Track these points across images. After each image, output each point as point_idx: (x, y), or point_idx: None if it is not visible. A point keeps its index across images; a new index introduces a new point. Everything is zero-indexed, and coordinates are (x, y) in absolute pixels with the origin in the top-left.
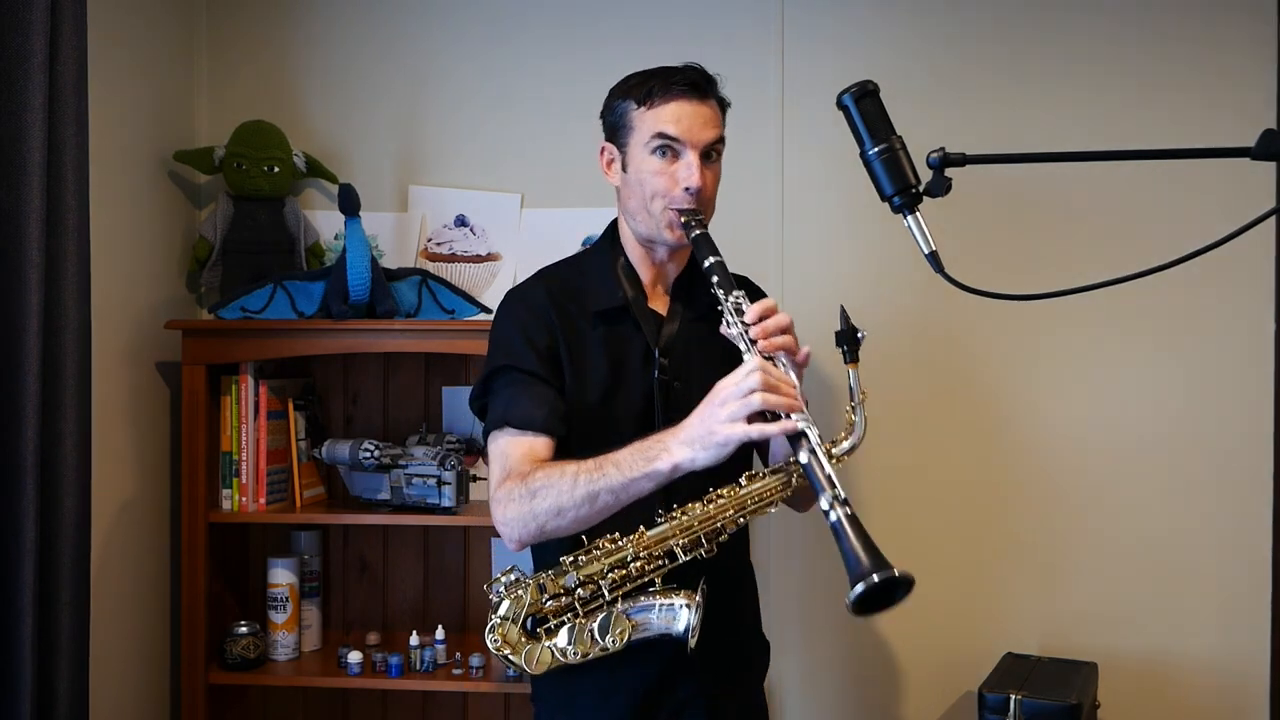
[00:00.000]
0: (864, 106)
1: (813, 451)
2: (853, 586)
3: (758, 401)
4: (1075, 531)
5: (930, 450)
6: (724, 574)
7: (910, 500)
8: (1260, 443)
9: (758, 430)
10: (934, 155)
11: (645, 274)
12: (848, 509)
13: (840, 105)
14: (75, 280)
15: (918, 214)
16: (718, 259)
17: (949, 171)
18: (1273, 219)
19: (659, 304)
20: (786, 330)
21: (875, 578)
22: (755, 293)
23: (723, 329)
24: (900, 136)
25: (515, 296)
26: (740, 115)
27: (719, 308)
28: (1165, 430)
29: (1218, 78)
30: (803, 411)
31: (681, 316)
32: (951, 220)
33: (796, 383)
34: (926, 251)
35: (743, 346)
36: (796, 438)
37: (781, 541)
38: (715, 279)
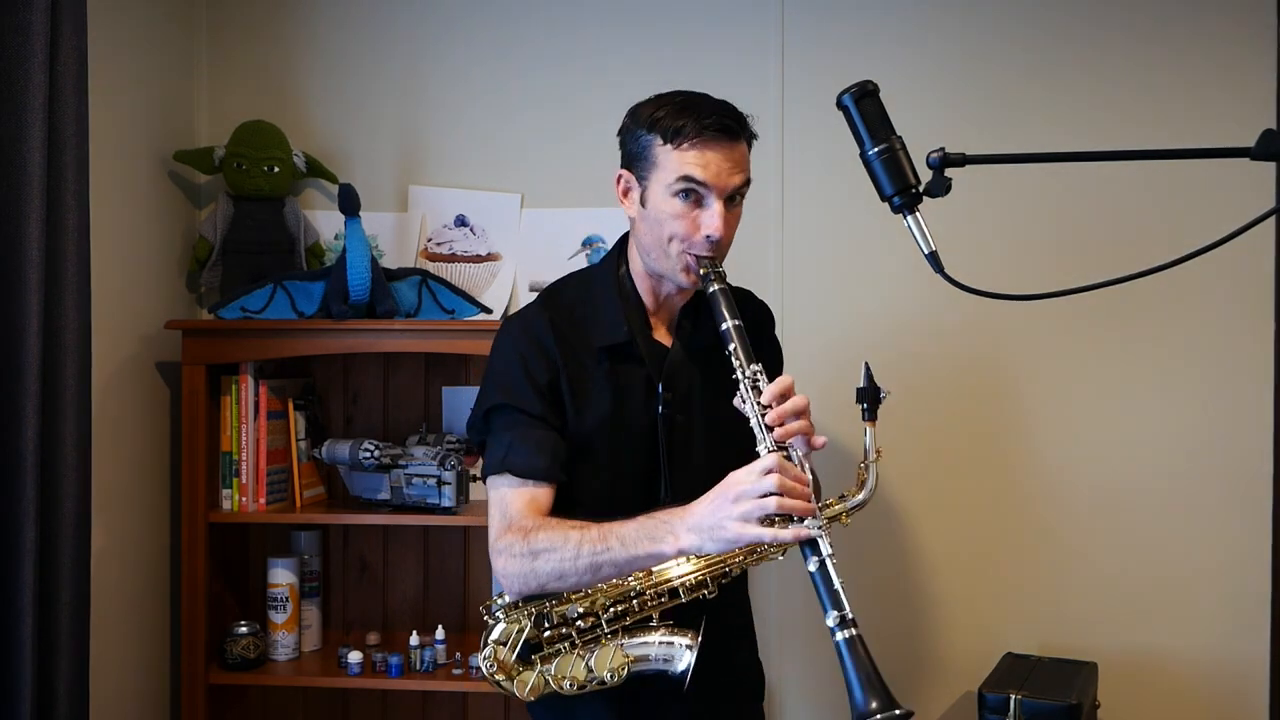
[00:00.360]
0: (864, 107)
1: (823, 563)
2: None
3: (773, 505)
4: (1075, 532)
5: (930, 450)
6: (723, 605)
7: (910, 501)
8: (1260, 443)
9: (770, 534)
10: (934, 155)
11: (651, 302)
12: (854, 630)
13: (840, 105)
14: (75, 280)
15: (918, 214)
16: (737, 322)
17: (949, 171)
18: (1273, 219)
19: (663, 334)
20: (803, 413)
21: (879, 718)
22: (759, 311)
23: (736, 402)
24: (900, 136)
25: (518, 324)
26: None
27: (734, 376)
28: (1165, 430)
29: (1218, 78)
30: (816, 515)
31: (685, 347)
32: (951, 220)
33: (810, 479)
34: (926, 252)
35: (756, 428)
36: (809, 543)
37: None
38: (733, 346)
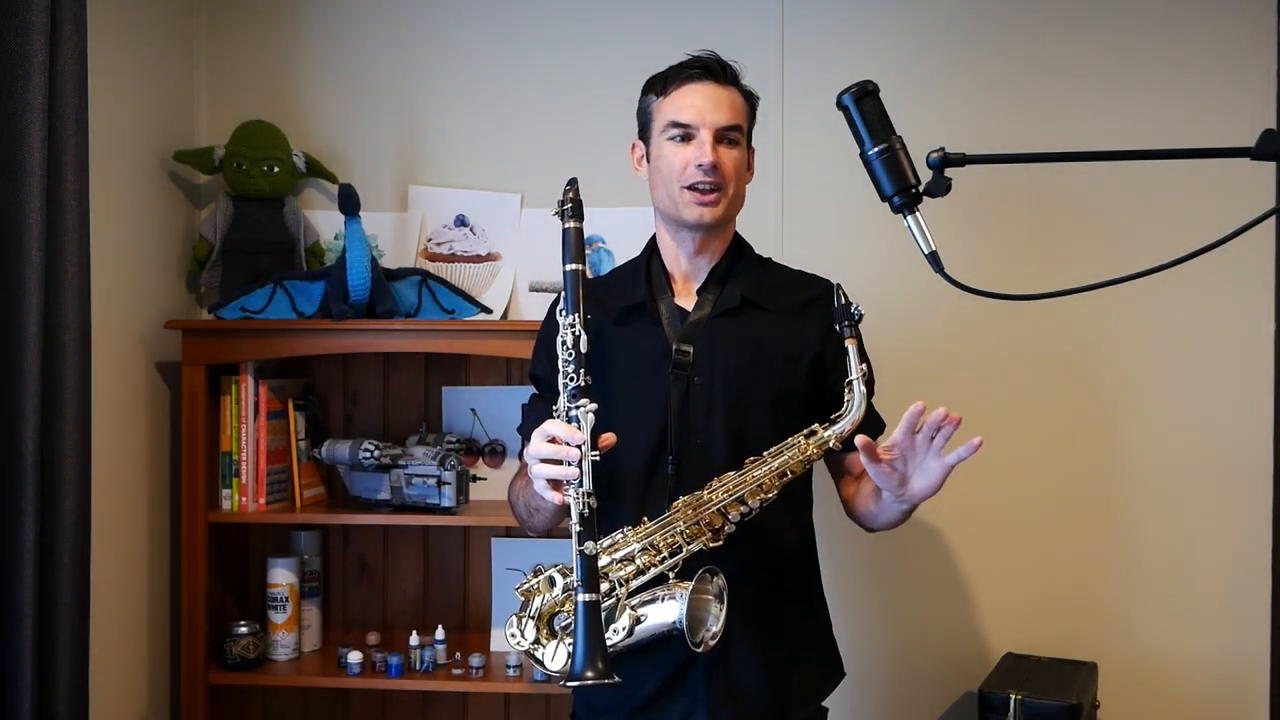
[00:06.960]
0: (864, 106)
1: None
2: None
3: (543, 476)
4: (1076, 531)
5: None
6: (762, 575)
7: None
8: (1260, 443)
9: (557, 498)
10: (934, 155)
11: (676, 270)
12: (593, 595)
13: (840, 105)
14: (75, 280)
15: (918, 214)
16: (575, 267)
17: (949, 171)
18: (1273, 219)
19: (688, 299)
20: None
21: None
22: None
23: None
24: (900, 136)
25: (553, 302)
26: None
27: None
28: (1164, 430)
29: (1218, 78)
30: (576, 480)
31: (710, 312)
32: (951, 220)
33: (584, 439)
34: (926, 251)
35: (560, 386)
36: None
37: None
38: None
